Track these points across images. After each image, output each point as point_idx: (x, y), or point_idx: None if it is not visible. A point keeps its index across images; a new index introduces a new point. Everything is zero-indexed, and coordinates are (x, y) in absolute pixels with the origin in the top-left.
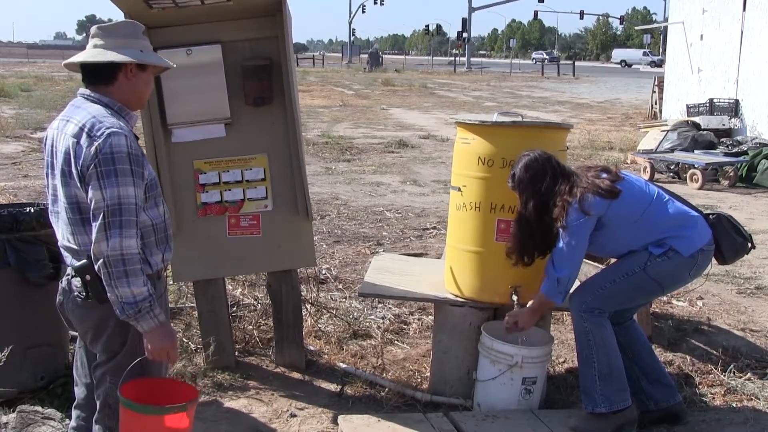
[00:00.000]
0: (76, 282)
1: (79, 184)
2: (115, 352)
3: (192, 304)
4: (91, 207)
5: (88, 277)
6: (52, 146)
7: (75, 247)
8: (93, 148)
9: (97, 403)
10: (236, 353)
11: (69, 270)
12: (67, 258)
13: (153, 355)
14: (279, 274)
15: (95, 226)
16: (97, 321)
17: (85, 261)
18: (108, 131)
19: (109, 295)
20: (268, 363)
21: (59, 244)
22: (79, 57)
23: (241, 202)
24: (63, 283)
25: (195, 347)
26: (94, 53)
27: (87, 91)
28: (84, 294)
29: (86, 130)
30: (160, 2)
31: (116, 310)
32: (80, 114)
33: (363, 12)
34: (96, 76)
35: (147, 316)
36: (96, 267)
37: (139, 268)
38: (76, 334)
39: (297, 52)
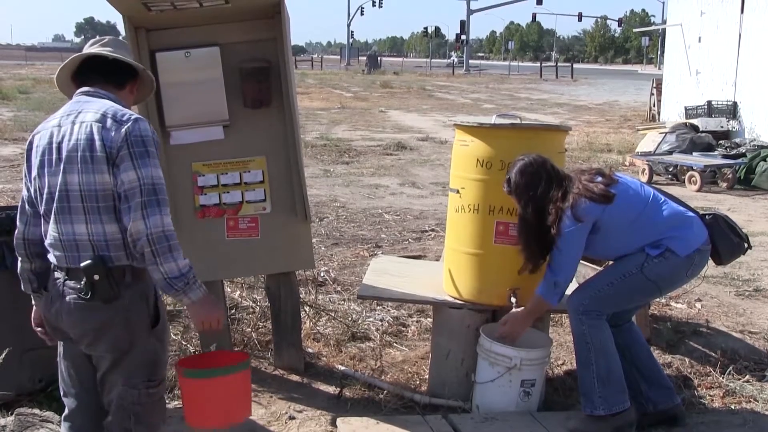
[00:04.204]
0: (72, 284)
1: (105, 168)
2: (123, 351)
3: None
4: (123, 188)
5: (96, 276)
6: (52, 142)
7: (83, 239)
8: (123, 130)
9: (110, 407)
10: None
11: (59, 274)
12: (61, 259)
13: (203, 326)
14: (277, 277)
15: (131, 207)
16: (100, 322)
17: (90, 261)
18: (134, 116)
19: (153, 274)
20: (266, 365)
21: (54, 242)
22: (104, 51)
23: (240, 204)
24: (53, 290)
25: (194, 350)
26: (101, 49)
27: (92, 89)
28: (88, 295)
29: (110, 115)
30: (158, 5)
31: (162, 288)
32: (95, 105)
33: (361, 14)
34: (112, 75)
35: (194, 286)
36: (137, 247)
37: (178, 243)
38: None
39: (295, 55)
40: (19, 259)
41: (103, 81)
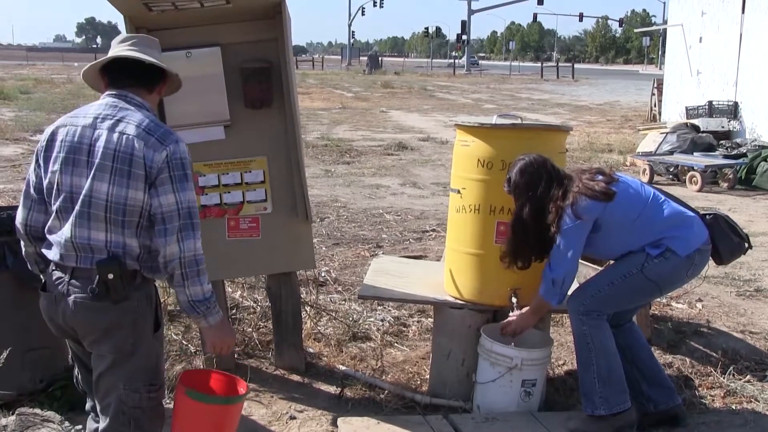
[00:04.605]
0: (79, 283)
1: (142, 186)
2: (125, 353)
3: None
4: (161, 210)
5: (111, 275)
6: (83, 143)
7: (100, 244)
8: (164, 153)
9: (106, 411)
10: (236, 355)
11: (60, 273)
12: (69, 258)
13: (215, 348)
14: (278, 277)
15: (167, 229)
16: (108, 323)
17: (105, 259)
18: (175, 137)
19: (179, 296)
20: (267, 365)
21: (65, 242)
22: (128, 53)
23: (241, 204)
24: (55, 289)
25: (194, 350)
26: (138, 53)
27: (124, 92)
28: (99, 294)
29: (153, 132)
30: (159, 5)
31: (184, 309)
32: (135, 116)
33: (362, 14)
34: (145, 77)
35: (213, 310)
36: (168, 268)
37: (205, 268)
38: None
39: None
40: (22, 242)
41: (136, 84)
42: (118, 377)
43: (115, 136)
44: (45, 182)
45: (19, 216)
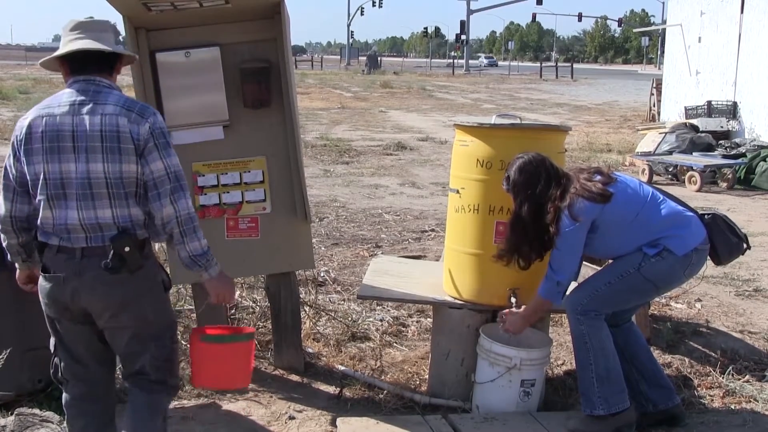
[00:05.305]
0: (93, 261)
1: (133, 158)
2: (148, 320)
3: (191, 307)
4: (153, 176)
5: (127, 248)
6: (64, 130)
7: (108, 221)
8: (147, 125)
9: (143, 372)
10: None
11: (67, 254)
12: (79, 240)
13: (218, 299)
14: (277, 277)
15: (160, 193)
16: (126, 294)
17: (117, 234)
18: (152, 110)
19: (180, 253)
20: (266, 365)
21: (73, 225)
22: (90, 45)
23: (240, 204)
24: (65, 270)
25: None
26: (98, 44)
27: (91, 77)
28: (115, 266)
29: (132, 108)
30: (158, 5)
31: (186, 265)
32: (111, 97)
33: (361, 14)
34: (105, 62)
35: (212, 262)
36: (167, 228)
37: (199, 224)
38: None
39: (295, 55)
40: (5, 235)
41: (99, 70)
42: (146, 341)
43: (98, 118)
44: (29, 175)
45: (2, 208)
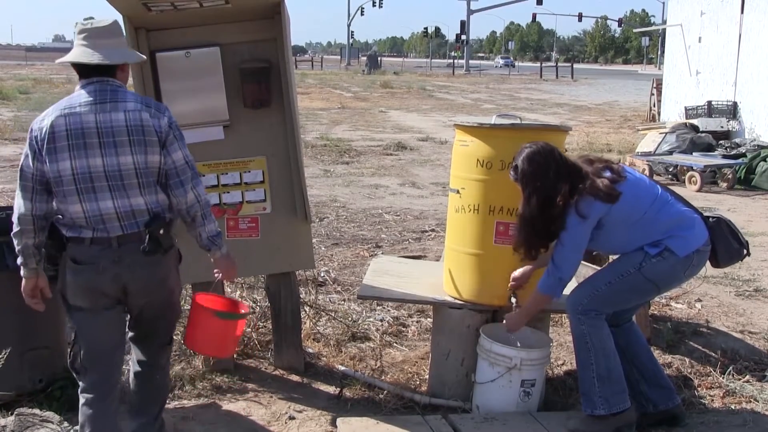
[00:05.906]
0: (131, 246)
1: (158, 150)
2: (175, 293)
3: (189, 307)
4: (175, 165)
5: (161, 231)
6: (89, 128)
7: (141, 208)
8: (165, 119)
9: (164, 343)
10: (235, 356)
11: (101, 245)
12: (115, 229)
13: (227, 275)
14: (278, 277)
15: (182, 180)
16: (163, 271)
17: (150, 219)
18: (164, 106)
19: (201, 235)
20: (266, 365)
21: (107, 215)
22: (88, 58)
23: (240, 204)
24: (102, 260)
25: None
26: (111, 53)
27: (104, 78)
28: (151, 249)
29: (150, 105)
30: (158, 5)
31: (204, 245)
32: (129, 96)
33: (362, 14)
34: (112, 66)
35: (223, 241)
36: (191, 212)
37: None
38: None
39: (295, 55)
40: (22, 236)
41: (111, 73)
42: (166, 308)
43: (121, 114)
44: (51, 172)
45: (23, 208)
